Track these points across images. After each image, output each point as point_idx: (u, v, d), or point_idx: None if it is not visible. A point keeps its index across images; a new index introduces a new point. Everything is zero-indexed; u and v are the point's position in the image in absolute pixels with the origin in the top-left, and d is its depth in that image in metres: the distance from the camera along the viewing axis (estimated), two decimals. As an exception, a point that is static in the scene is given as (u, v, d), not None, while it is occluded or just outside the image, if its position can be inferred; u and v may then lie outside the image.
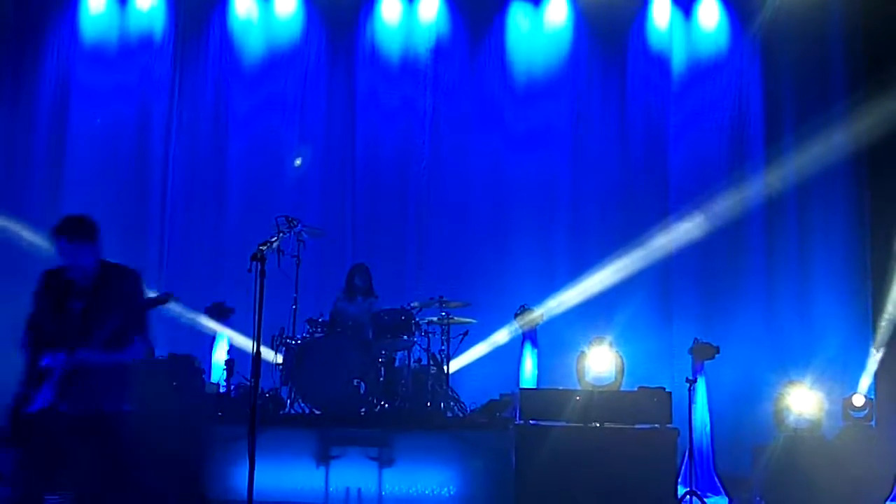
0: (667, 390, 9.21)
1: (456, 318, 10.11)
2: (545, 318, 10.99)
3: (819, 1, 12.02)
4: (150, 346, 6.35)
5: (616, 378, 10.00)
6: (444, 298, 10.06)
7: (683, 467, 9.32)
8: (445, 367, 9.99)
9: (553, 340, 10.94)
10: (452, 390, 10.07)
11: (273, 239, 7.36)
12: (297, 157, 12.14)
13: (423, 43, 12.40)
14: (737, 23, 12.33)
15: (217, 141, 12.22)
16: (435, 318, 10.14)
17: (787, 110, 12.16)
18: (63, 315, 5.71)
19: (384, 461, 8.94)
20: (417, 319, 10.05)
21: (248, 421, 6.62)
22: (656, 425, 8.93)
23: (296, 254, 9.90)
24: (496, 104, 12.35)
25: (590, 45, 12.38)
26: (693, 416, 9.42)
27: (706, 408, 10.24)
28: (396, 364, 10.06)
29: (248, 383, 8.11)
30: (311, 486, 8.88)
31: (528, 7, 12.49)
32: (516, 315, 10.86)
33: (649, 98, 12.30)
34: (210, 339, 10.80)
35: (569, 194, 12.17)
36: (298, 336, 9.79)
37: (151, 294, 6.33)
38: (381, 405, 9.61)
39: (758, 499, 9.71)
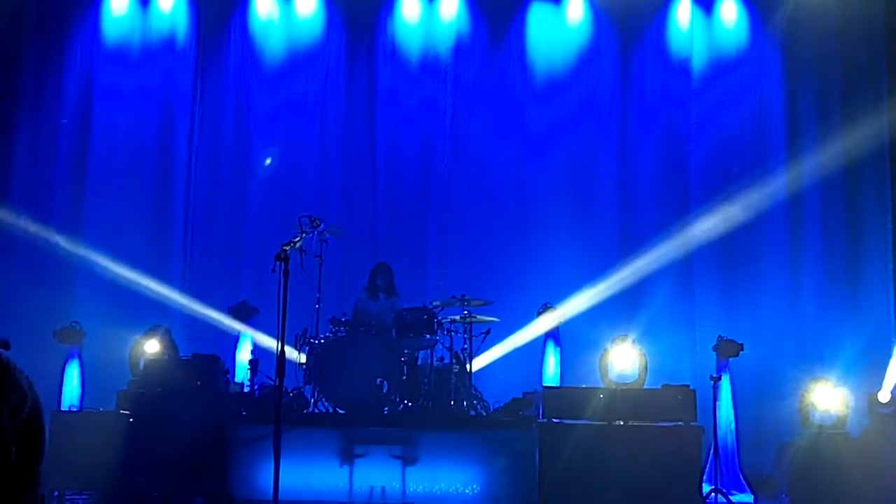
0: (691, 388, 9.17)
1: (478, 316, 10.11)
2: (567, 316, 10.97)
3: (839, -5, 11.99)
4: None
5: (639, 376, 9.99)
6: (466, 297, 10.05)
7: (708, 465, 9.28)
8: (468, 366, 9.97)
9: (576, 338, 10.90)
10: (475, 389, 10.05)
11: (296, 239, 7.39)
12: (268, 157, 12.16)
13: (444, 42, 12.39)
14: (757, 18, 12.27)
15: (239, 141, 12.25)
16: (457, 317, 10.13)
17: (808, 106, 12.10)
18: None
19: (408, 460, 8.95)
20: (440, 318, 10.05)
21: (273, 420, 6.66)
22: (680, 423, 8.90)
23: (318, 253, 9.91)
24: (517, 102, 12.33)
25: (610, 42, 12.34)
26: (718, 414, 9.39)
27: (731, 405, 10.18)
28: (419, 363, 10.06)
29: (273, 383, 8.15)
30: (335, 484, 8.91)
31: (548, 5, 12.46)
32: (539, 313, 10.85)
33: (670, 95, 12.25)
34: (234, 339, 10.85)
35: (590, 191, 12.14)
36: (322, 335, 9.80)
37: None
38: (404, 404, 9.62)
39: (783, 496, 9.66)
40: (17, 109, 12.07)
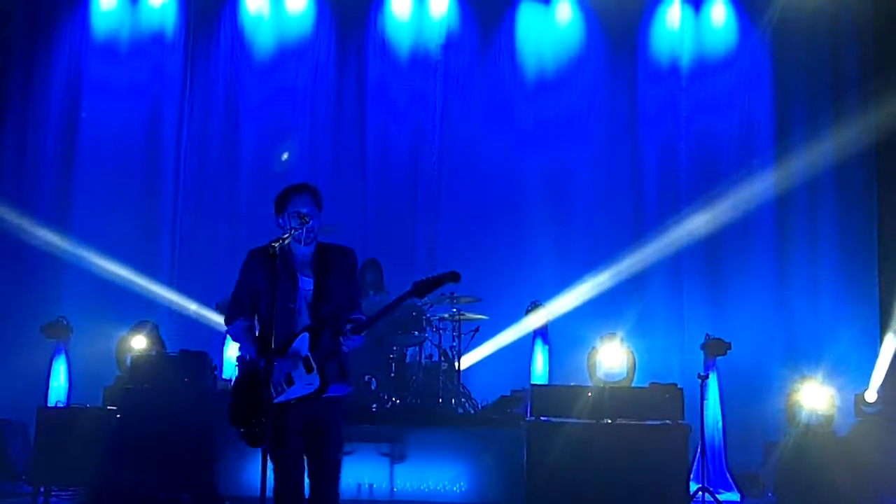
0: (678, 386, 9.18)
1: (467, 314, 10.10)
2: (556, 313, 10.98)
3: (828, -4, 12.03)
4: None
5: (627, 374, 10.01)
6: (455, 294, 10.04)
7: (695, 463, 9.31)
8: (456, 364, 9.98)
9: (564, 336, 10.92)
10: (464, 387, 10.06)
11: (285, 235, 7.35)
12: (284, 151, 12.13)
13: (434, 37, 12.38)
14: (746, 19, 12.31)
15: (228, 136, 12.21)
16: (446, 315, 10.13)
17: (796, 106, 12.14)
18: (295, 293, 5.81)
19: (396, 457, 8.93)
20: (428, 315, 10.03)
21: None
22: (668, 421, 8.90)
23: (307, 249, 9.85)
24: (507, 98, 12.33)
25: (600, 39, 12.35)
26: (705, 413, 9.40)
27: (718, 404, 10.21)
28: (407, 360, 10.06)
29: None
30: (322, 481, 8.88)
31: (538, 4, 12.47)
32: (527, 311, 10.85)
33: (659, 93, 12.27)
34: (222, 335, 10.80)
35: (579, 189, 12.15)
36: (310, 332, 9.76)
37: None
38: (392, 401, 9.61)
39: (769, 495, 9.70)
40: (5, 104, 12.02)
